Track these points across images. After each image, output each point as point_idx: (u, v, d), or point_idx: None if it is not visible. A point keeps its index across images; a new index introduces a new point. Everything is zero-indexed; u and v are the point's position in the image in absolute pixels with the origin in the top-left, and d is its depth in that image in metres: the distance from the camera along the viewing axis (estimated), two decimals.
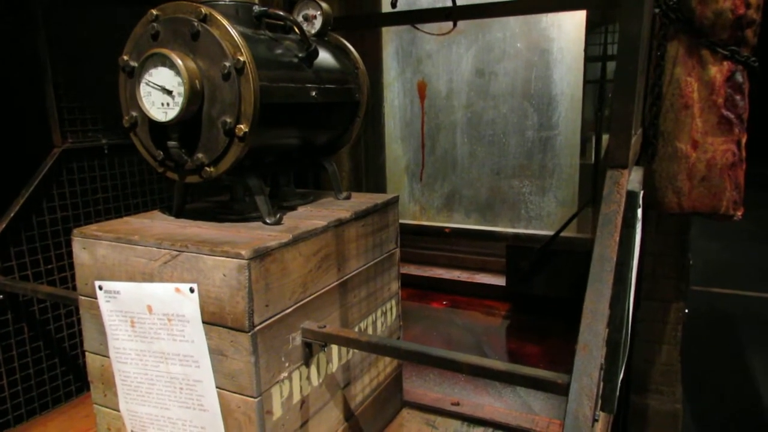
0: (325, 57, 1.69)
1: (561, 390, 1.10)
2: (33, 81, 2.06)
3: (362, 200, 1.78)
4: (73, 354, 2.16)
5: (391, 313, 1.90)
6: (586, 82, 3.17)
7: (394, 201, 1.85)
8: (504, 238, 3.43)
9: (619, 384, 1.50)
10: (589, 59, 3.15)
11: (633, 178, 1.49)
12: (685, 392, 3.03)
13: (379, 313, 1.81)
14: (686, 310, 2.86)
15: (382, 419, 1.91)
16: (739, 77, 2.01)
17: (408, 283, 3.40)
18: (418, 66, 3.61)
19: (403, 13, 3.00)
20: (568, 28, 3.17)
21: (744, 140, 2.08)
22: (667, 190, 2.21)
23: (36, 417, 2.05)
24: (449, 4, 2.81)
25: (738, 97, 2.02)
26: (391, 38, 3.65)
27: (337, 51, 1.80)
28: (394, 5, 2.83)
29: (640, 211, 1.46)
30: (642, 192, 1.55)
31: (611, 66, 3.13)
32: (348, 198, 1.81)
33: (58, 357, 2.12)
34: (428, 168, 3.72)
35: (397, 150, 3.80)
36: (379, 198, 1.80)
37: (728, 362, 4.35)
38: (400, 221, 1.91)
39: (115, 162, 2.27)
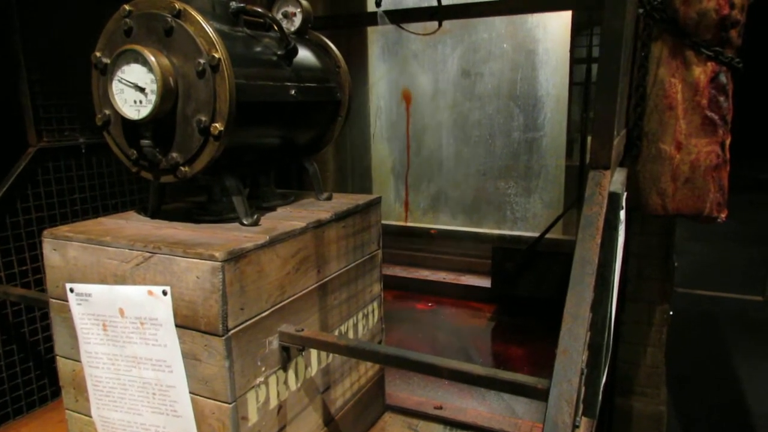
0: (305, 55, 1.66)
1: (541, 395, 1.08)
2: (7, 79, 2.01)
3: (343, 201, 1.75)
4: (48, 357, 2.10)
5: (373, 316, 1.88)
6: (572, 83, 3.17)
7: (377, 202, 1.82)
8: (489, 239, 3.42)
9: (601, 388, 1.48)
10: (575, 61, 3.14)
11: (616, 180, 1.48)
12: (670, 394, 3.03)
13: (360, 315, 1.79)
14: (671, 312, 2.86)
15: (364, 423, 1.88)
16: (723, 78, 2.01)
17: (393, 284, 3.38)
18: (404, 66, 3.59)
19: (388, 13, 2.97)
20: (554, 29, 3.16)
21: (728, 142, 2.07)
22: (650, 191, 2.20)
23: (9, 422, 2.00)
24: (435, 3, 2.79)
25: (722, 99, 2.01)
26: (376, 38, 3.63)
27: (318, 49, 1.77)
28: (378, 4, 2.80)
29: (623, 213, 1.45)
30: (625, 194, 1.54)
31: (597, 68, 3.13)
32: (329, 199, 1.78)
33: (33, 360, 2.07)
34: (414, 169, 3.70)
35: (382, 151, 3.78)
36: (360, 199, 1.77)
37: (712, 364, 4.37)
38: (386, 222, 1.89)
39: (93, 161, 2.23)
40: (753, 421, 3.62)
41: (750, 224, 7.92)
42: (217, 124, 1.29)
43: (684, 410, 3.75)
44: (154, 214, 1.56)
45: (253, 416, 1.32)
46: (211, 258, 1.19)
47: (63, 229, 1.42)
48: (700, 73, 2.02)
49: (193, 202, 1.72)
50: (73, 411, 1.51)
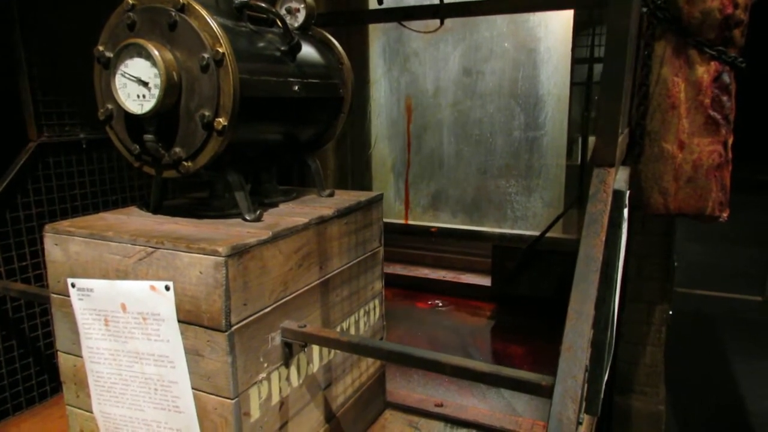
0: (308, 51, 1.66)
1: (545, 392, 1.08)
2: (7, 74, 2.00)
3: (345, 198, 1.74)
4: (48, 353, 2.10)
5: (375, 313, 1.87)
6: (573, 83, 3.16)
7: (378, 199, 1.82)
8: (490, 238, 3.42)
9: (603, 386, 1.48)
10: (576, 61, 3.14)
11: (620, 178, 1.48)
12: (669, 393, 3.03)
13: (361, 312, 1.78)
14: (670, 312, 2.86)
15: (364, 420, 1.88)
16: (726, 78, 2.00)
17: (393, 282, 3.37)
18: (405, 64, 3.58)
19: (390, 10, 2.97)
20: (556, 28, 3.15)
21: (730, 141, 2.07)
22: (653, 190, 2.20)
23: (9, 418, 1.99)
24: (436, 1, 2.79)
25: (725, 98, 2.01)
26: (378, 36, 3.62)
27: (321, 45, 1.76)
28: (380, 2, 2.80)
29: (626, 211, 1.44)
30: (628, 192, 1.53)
31: (598, 68, 3.13)
32: (331, 195, 1.78)
33: (33, 356, 2.06)
34: (414, 167, 3.69)
35: (383, 149, 3.77)
36: (362, 196, 1.77)
37: (711, 364, 4.37)
38: (386, 220, 1.88)
39: (94, 157, 2.22)
40: (751, 420, 3.62)
41: (750, 225, 7.93)
42: (220, 119, 1.28)
43: (683, 409, 3.75)
44: (156, 209, 1.55)
45: (255, 412, 1.32)
46: (215, 253, 1.18)
47: (65, 224, 1.41)
48: (703, 72, 2.02)
49: (195, 197, 1.71)
50: (74, 406, 1.50)
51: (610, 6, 1.33)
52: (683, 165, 2.09)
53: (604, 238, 1.22)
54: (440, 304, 3.21)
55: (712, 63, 2.01)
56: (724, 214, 2.14)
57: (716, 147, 2.04)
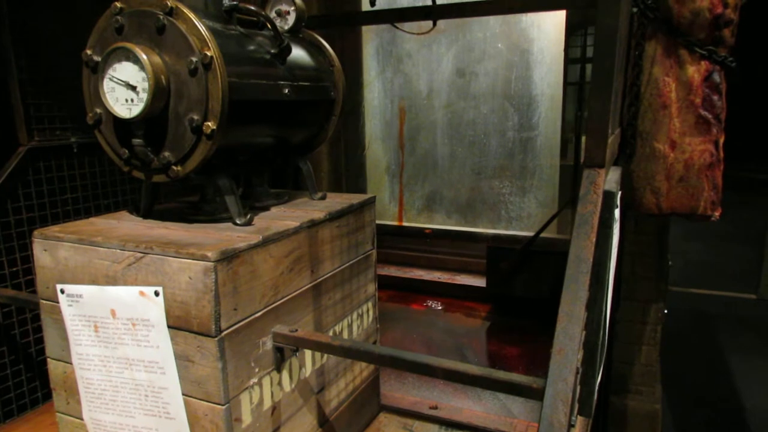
0: (298, 54, 1.65)
1: (536, 395, 1.07)
2: None
3: (338, 201, 1.74)
4: (39, 360, 2.08)
5: (368, 316, 1.87)
6: (567, 83, 3.17)
7: (371, 201, 1.81)
8: (484, 239, 3.41)
9: (596, 387, 1.48)
10: (569, 61, 3.14)
11: (610, 178, 1.47)
12: (665, 392, 3.03)
13: (354, 315, 1.78)
14: (665, 311, 2.86)
15: (358, 424, 1.87)
16: (716, 77, 2.01)
17: (388, 284, 3.37)
18: (399, 65, 3.58)
19: (382, 12, 2.96)
20: (548, 29, 3.16)
21: (722, 140, 2.07)
22: (645, 190, 2.20)
23: (0, 425, 1.98)
24: (429, 3, 2.78)
25: (715, 97, 2.01)
26: (371, 37, 3.62)
27: (312, 48, 1.76)
28: (373, 3, 2.79)
29: (617, 212, 1.44)
30: (620, 192, 1.53)
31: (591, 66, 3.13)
32: (323, 198, 1.77)
33: (24, 363, 2.05)
34: (408, 169, 3.69)
35: (377, 150, 3.77)
36: (354, 198, 1.76)
37: (707, 362, 4.38)
38: (381, 222, 1.88)
39: (85, 161, 2.21)
40: (747, 417, 3.63)
41: (743, 223, 7.95)
42: (209, 123, 1.28)
43: (679, 408, 3.75)
44: (147, 214, 1.54)
45: (246, 418, 1.31)
46: (204, 258, 1.18)
47: (53, 230, 1.40)
48: (694, 72, 2.02)
49: (186, 201, 1.70)
50: (65, 414, 1.49)
51: (598, 6, 1.33)
52: (675, 164, 2.10)
53: (594, 240, 1.22)
54: (435, 306, 3.20)
55: (703, 62, 2.02)
56: (716, 213, 2.14)
57: (708, 146, 2.05)
